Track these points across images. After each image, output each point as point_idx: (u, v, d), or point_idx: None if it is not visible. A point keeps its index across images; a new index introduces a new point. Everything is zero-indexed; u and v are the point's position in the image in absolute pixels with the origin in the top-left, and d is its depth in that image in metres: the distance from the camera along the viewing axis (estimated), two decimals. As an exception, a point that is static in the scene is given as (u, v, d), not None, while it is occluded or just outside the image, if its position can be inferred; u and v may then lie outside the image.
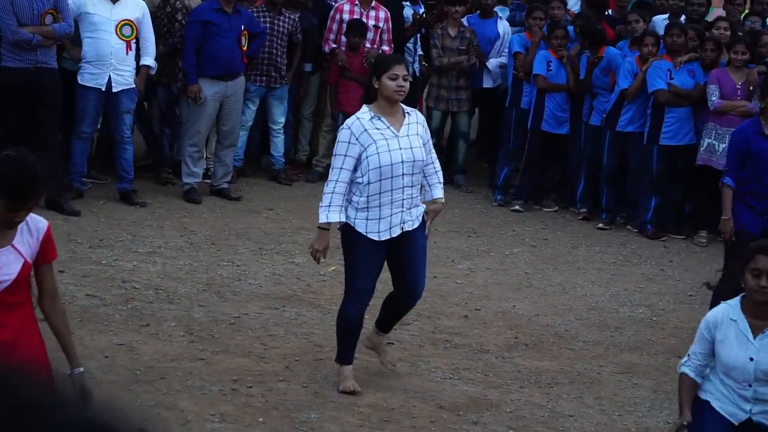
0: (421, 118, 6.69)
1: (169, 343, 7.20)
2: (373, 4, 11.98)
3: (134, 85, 10.17)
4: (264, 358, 7.11)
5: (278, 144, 11.84)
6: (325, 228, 6.44)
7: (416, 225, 6.54)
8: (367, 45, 11.84)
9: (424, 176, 6.65)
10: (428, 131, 6.76)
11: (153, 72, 10.46)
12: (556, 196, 12.17)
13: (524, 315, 8.46)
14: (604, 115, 11.35)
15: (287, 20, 11.51)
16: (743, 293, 4.97)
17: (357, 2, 11.91)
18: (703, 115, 10.88)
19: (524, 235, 10.87)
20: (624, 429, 6.53)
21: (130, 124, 10.45)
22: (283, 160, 11.94)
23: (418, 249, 6.61)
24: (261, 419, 6.23)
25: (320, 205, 6.42)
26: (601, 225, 11.39)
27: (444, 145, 12.32)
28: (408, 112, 6.56)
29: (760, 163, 7.68)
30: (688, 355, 5.11)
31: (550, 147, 11.83)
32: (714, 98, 10.59)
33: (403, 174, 6.40)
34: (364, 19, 11.85)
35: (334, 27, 11.91)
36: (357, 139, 6.36)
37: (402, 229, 6.47)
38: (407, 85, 6.50)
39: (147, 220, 9.94)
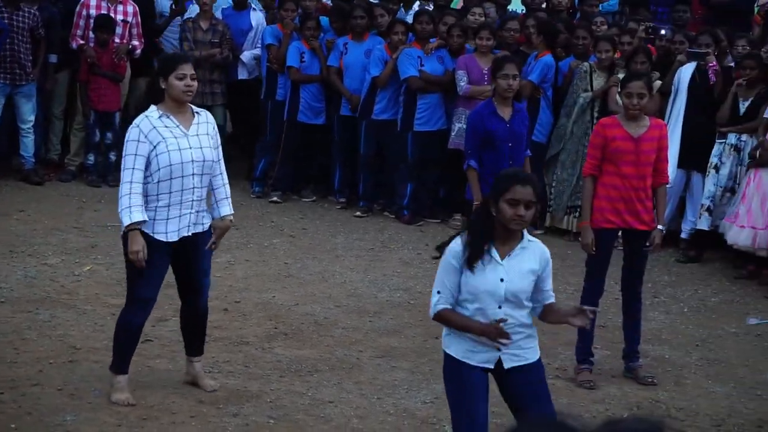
0: (211, 118, 6.55)
1: None
2: (121, -2, 11.80)
3: None
4: (16, 362, 6.90)
5: (28, 144, 11.51)
6: (134, 229, 6.17)
7: (205, 229, 6.44)
8: (116, 40, 11.64)
9: (212, 188, 6.52)
10: (219, 135, 6.58)
11: None
12: (315, 186, 12.27)
13: (284, 305, 8.49)
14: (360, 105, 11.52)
15: (27, 15, 11.19)
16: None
17: (104, -3, 11.71)
18: (453, 101, 11.18)
19: (283, 226, 10.92)
20: (383, 411, 6.64)
21: None
22: (33, 160, 11.62)
23: (204, 254, 6.50)
24: (13, 425, 6.05)
25: (120, 209, 6.14)
26: (358, 213, 11.56)
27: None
28: (197, 112, 6.44)
29: (496, 143, 7.96)
30: (438, 293, 5.12)
31: (307, 138, 11.91)
32: (462, 83, 10.89)
33: (193, 174, 6.26)
34: (112, 14, 11.66)
35: (81, 23, 11.67)
36: (146, 137, 6.19)
37: (189, 231, 6.33)
38: (195, 84, 6.34)
39: None
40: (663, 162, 7.32)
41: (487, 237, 5.08)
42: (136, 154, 6.18)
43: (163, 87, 6.29)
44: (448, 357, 5.21)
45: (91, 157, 11.81)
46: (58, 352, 7.13)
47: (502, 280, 5.05)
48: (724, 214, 10.28)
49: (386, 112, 11.47)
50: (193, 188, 6.30)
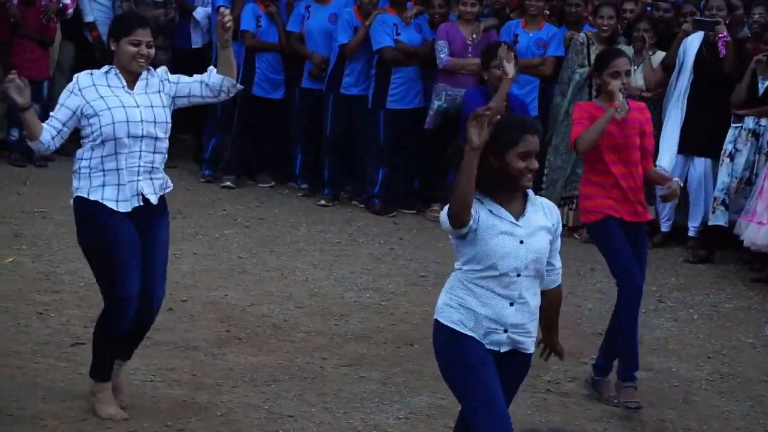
0: (163, 72, 6.42)
1: None
2: (49, -50, 11.76)
3: None
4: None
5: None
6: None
7: (156, 202, 6.34)
8: (45, -2, 11.62)
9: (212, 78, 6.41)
10: (173, 76, 6.48)
11: None
12: (273, 170, 12.29)
13: (237, 305, 8.48)
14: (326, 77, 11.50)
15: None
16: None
17: (30, -51, 11.65)
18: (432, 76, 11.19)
19: (237, 215, 10.94)
20: (350, 427, 6.60)
21: None
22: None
23: (158, 251, 6.41)
24: None
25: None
26: (323, 201, 11.58)
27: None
28: (149, 71, 6.34)
29: None
30: None
31: (264, 114, 11.91)
32: (443, 55, 10.92)
33: (142, 136, 6.19)
34: (41, -32, 11.61)
35: (5, -24, 11.58)
36: (80, 90, 6.16)
37: (140, 201, 6.25)
38: (152, 52, 6.26)
39: None
40: (646, 147, 7.34)
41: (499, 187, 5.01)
42: (62, 104, 6.16)
43: (113, 49, 6.26)
44: (448, 332, 5.06)
45: (15, 133, 11.76)
46: (-26, 356, 7.05)
47: (522, 242, 4.99)
48: (740, 209, 10.33)
49: (356, 86, 11.50)
50: (141, 152, 6.22)
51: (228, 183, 11.83)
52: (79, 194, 6.24)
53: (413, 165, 11.68)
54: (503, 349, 5.03)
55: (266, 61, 11.81)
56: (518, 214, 5.02)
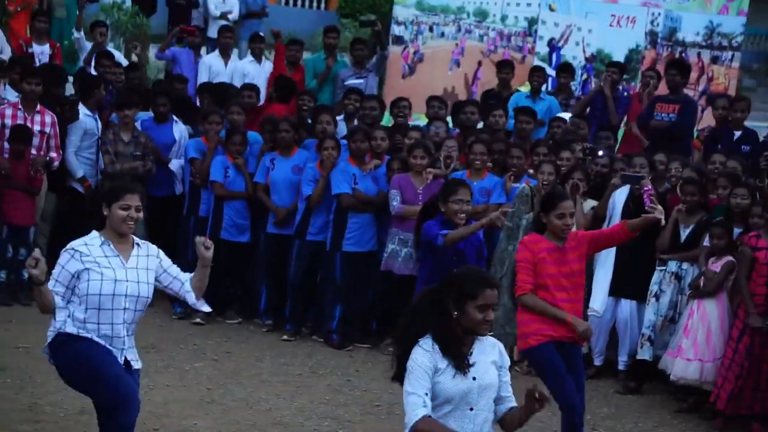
0: (154, 250, 6.78)
1: None
2: (38, 108, 12.11)
3: None
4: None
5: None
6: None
7: (140, 366, 6.67)
8: (33, 152, 11.95)
9: (184, 293, 6.85)
10: (164, 259, 6.83)
11: None
12: (240, 306, 12.52)
13: (206, 433, 8.62)
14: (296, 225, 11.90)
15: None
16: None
17: (20, 107, 12.02)
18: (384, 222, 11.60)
19: (206, 349, 11.10)
20: None
21: None
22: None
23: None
24: None
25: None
26: (285, 336, 11.82)
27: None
28: (138, 244, 6.69)
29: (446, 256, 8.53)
30: (418, 397, 5.19)
31: (231, 256, 12.17)
32: (395, 203, 11.29)
33: (124, 308, 6.51)
34: (29, 124, 11.96)
35: (-6, 132, 11.82)
36: (80, 256, 6.46)
37: (126, 365, 6.56)
38: (140, 216, 6.62)
39: None
40: (601, 231, 8.17)
41: (455, 338, 5.26)
42: (63, 267, 6.45)
43: (105, 214, 6.57)
44: None
45: (2, 274, 11.90)
46: None
47: (474, 378, 5.26)
48: (664, 344, 10.70)
49: (321, 233, 11.81)
50: (124, 323, 6.52)
51: (198, 320, 11.95)
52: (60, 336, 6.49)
53: (370, 303, 11.89)
54: None
55: (233, 208, 12.12)
56: (469, 351, 5.30)
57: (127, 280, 6.54)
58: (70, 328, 6.50)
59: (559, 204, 7.70)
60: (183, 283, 6.88)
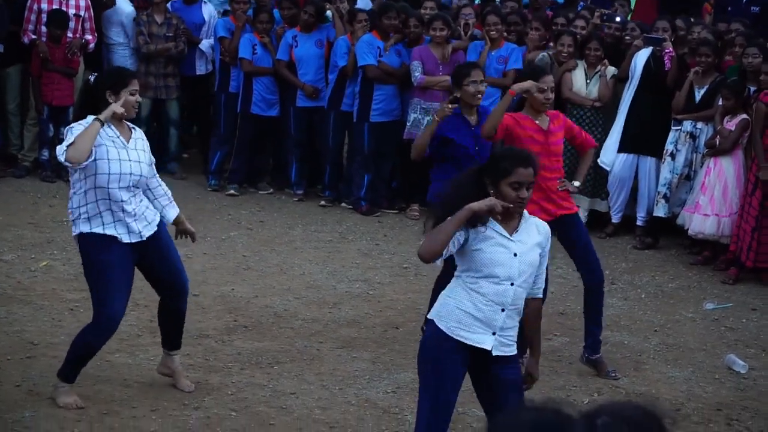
0: (143, 135, 6.41)
1: None
2: (73, -9, 11.67)
3: None
4: (-27, 360, 6.84)
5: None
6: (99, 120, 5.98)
7: (154, 229, 6.29)
8: (69, 35, 11.54)
9: (154, 197, 6.42)
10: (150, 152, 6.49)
11: None
12: (271, 178, 12.24)
13: (243, 297, 8.48)
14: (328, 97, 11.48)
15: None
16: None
17: (55, -9, 11.58)
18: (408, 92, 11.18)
19: (240, 219, 10.89)
20: (345, 402, 6.64)
21: None
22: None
23: (168, 246, 6.40)
24: (-28, 423, 5.99)
25: (68, 141, 5.90)
26: (323, 203, 11.58)
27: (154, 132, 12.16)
28: (133, 128, 6.35)
29: (460, 150, 7.67)
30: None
31: (262, 129, 11.90)
32: (417, 74, 10.88)
33: (129, 186, 6.15)
34: (64, 8, 11.54)
35: (33, 17, 11.52)
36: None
37: (141, 237, 6.20)
38: (140, 99, 6.30)
39: None
40: (581, 133, 7.41)
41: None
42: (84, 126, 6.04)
43: (111, 101, 6.13)
44: (434, 331, 5.06)
45: (45, 153, 11.70)
46: (15, 349, 7.08)
47: (515, 254, 4.99)
48: (680, 201, 10.38)
49: (352, 105, 11.42)
50: (121, 201, 6.14)
51: (232, 191, 11.76)
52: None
53: (392, 170, 11.65)
54: (493, 351, 4.99)
55: (262, 83, 11.74)
56: (512, 230, 5.01)
57: (130, 160, 6.19)
58: (85, 227, 6.14)
59: (541, 78, 7.12)
60: (158, 187, 6.48)
